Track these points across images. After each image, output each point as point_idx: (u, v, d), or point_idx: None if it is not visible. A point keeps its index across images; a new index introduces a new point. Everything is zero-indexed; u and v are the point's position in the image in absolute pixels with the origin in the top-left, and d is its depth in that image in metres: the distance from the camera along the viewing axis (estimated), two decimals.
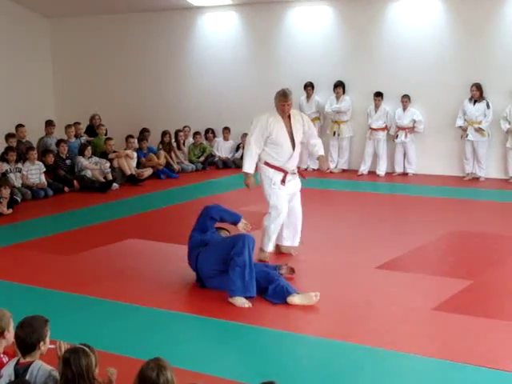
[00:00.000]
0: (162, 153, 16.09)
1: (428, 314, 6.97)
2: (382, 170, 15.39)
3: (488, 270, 8.29)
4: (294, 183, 8.92)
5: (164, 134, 16.53)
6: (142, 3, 17.40)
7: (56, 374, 4.47)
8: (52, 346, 4.75)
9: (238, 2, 16.78)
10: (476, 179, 14.37)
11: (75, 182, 14.28)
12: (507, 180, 14.13)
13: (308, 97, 16.04)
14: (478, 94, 14.16)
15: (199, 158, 16.87)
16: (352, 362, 5.88)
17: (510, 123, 13.85)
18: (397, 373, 5.71)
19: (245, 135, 16.80)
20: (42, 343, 4.63)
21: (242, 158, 16.57)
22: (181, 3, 17.10)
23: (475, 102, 14.23)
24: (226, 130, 17.16)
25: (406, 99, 15.02)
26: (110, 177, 14.56)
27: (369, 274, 8.22)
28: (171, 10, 17.53)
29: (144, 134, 16.80)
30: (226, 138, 17.20)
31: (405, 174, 15.22)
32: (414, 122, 14.99)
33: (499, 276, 8.07)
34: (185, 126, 17.10)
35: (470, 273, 8.02)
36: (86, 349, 4.40)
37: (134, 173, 15.05)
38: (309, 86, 15.98)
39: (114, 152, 15.23)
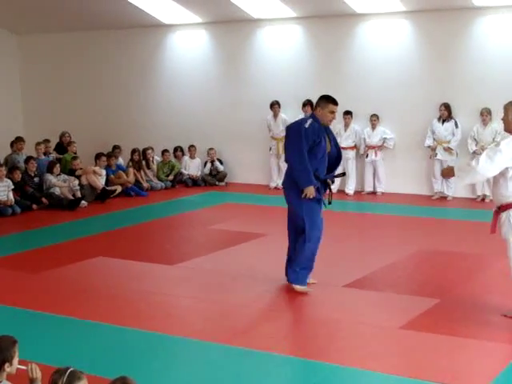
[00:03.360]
0: (131, 170, 16.05)
1: (396, 332, 6.99)
2: (350, 188, 15.44)
3: (455, 288, 8.33)
4: None
5: (133, 151, 16.49)
6: (111, 20, 17.37)
7: None
8: (23, 367, 4.66)
9: (208, 21, 16.81)
10: (444, 198, 14.47)
11: (43, 199, 14.19)
12: (475, 199, 14.25)
13: (275, 115, 16.07)
14: (446, 113, 14.29)
15: (168, 175, 16.84)
16: (320, 380, 5.88)
17: (477, 143, 13.98)
18: None
19: (211, 149, 16.82)
20: (7, 364, 4.56)
21: (210, 173, 16.72)
22: (151, 21, 17.11)
23: (444, 121, 14.35)
24: (192, 147, 17.14)
25: (374, 118, 15.11)
26: (78, 194, 14.48)
27: (337, 293, 8.24)
28: (141, 27, 17.53)
29: (114, 151, 16.77)
30: (192, 156, 17.18)
31: (374, 193, 15.29)
32: (384, 139, 15.08)
33: (466, 294, 8.12)
34: (147, 148, 16.91)
35: (438, 291, 8.06)
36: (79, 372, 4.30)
37: (104, 187, 15.01)
38: (275, 105, 16.01)
39: (81, 169, 15.18)
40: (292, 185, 8.18)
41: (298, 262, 8.18)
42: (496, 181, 6.92)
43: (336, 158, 8.39)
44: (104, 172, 15.39)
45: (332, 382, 5.86)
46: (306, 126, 7.99)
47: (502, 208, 6.85)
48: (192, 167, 17.11)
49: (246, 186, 16.53)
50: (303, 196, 7.98)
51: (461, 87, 14.40)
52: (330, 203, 8.33)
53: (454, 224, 12.31)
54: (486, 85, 14.19)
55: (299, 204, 8.13)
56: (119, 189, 15.47)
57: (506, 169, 6.72)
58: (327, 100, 8.22)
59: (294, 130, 8.13)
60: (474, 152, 13.99)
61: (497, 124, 13.81)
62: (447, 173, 7.36)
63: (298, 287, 8.15)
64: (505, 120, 6.95)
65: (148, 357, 6.41)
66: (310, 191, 7.93)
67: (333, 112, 8.19)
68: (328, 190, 8.33)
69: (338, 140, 15.14)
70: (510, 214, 6.79)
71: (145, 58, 17.86)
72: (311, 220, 8.09)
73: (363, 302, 7.93)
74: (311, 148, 7.96)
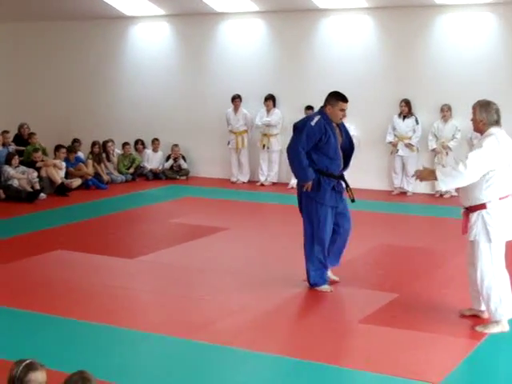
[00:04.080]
0: (90, 162, 15.92)
1: (355, 326, 7.04)
2: None
3: (414, 283, 8.40)
4: None
5: (93, 144, 16.37)
6: (73, 11, 17.21)
7: None
8: None
9: (170, 13, 16.74)
10: (404, 193, 14.57)
11: (1, 191, 14.03)
12: (433, 195, 14.37)
13: (235, 109, 16.06)
14: (406, 109, 14.38)
15: (128, 168, 16.74)
16: (282, 374, 5.91)
17: (437, 139, 14.09)
18: None
19: (175, 146, 16.77)
20: None
21: (171, 168, 16.67)
22: (113, 13, 16.99)
23: (404, 117, 14.45)
24: (156, 140, 17.06)
25: (308, 111, 15.13)
26: (37, 186, 14.34)
27: (297, 287, 8.25)
28: (103, 19, 17.40)
29: (74, 144, 16.63)
30: (155, 149, 17.11)
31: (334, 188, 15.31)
32: None
33: (425, 289, 8.19)
34: (107, 141, 16.79)
35: (397, 286, 8.12)
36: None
37: (63, 182, 14.88)
38: (236, 99, 15.99)
39: (42, 161, 15.03)
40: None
41: (312, 264, 8.13)
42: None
43: (349, 149, 8.22)
44: (64, 165, 15.25)
45: (290, 376, 5.88)
46: (313, 123, 7.82)
47: (472, 209, 6.77)
48: (154, 161, 17.03)
49: (207, 180, 16.51)
50: (304, 189, 7.93)
51: (421, 84, 14.51)
52: (353, 201, 8.21)
53: (414, 219, 12.41)
54: (446, 82, 14.31)
55: (307, 207, 8.07)
56: (79, 181, 15.35)
57: (489, 174, 6.65)
58: (337, 97, 7.97)
59: (298, 127, 7.99)
60: (434, 150, 14.12)
61: (457, 120, 13.96)
62: (426, 175, 7.10)
63: (318, 288, 8.10)
64: (473, 120, 6.96)
65: (107, 351, 6.39)
66: (307, 185, 7.88)
67: (343, 110, 7.97)
68: (346, 187, 8.17)
69: None
70: (481, 215, 6.69)
71: (106, 50, 17.73)
72: (319, 222, 7.97)
73: (323, 296, 7.95)
74: (319, 146, 7.83)
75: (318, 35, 15.51)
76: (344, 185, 8.17)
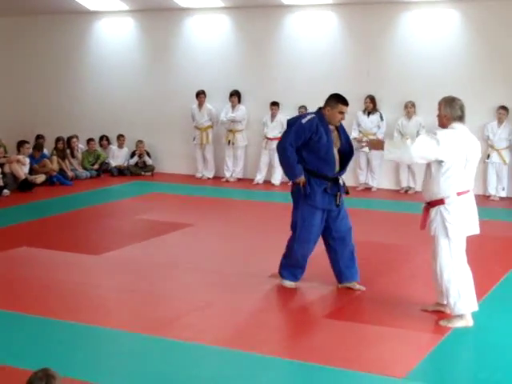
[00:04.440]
0: (55, 158, 15.81)
1: (320, 321, 7.07)
2: (277, 179, 15.52)
3: (379, 278, 8.46)
4: None
5: (57, 140, 16.25)
6: (37, 6, 17.07)
7: None
8: None
9: (134, 8, 16.68)
10: (368, 189, 14.66)
11: None
12: (398, 191, 14.47)
13: (200, 105, 16.04)
14: (371, 105, 14.47)
15: (93, 165, 16.66)
16: (247, 370, 5.92)
17: (402, 135, 14.19)
18: (288, 381, 5.79)
19: (140, 142, 16.72)
20: None
21: (136, 164, 16.62)
22: (77, 7, 16.89)
23: (369, 113, 14.53)
24: (121, 137, 17.00)
25: (302, 109, 15.19)
26: (0, 183, 14.21)
27: (262, 283, 8.28)
28: (66, 13, 17.29)
29: (39, 141, 16.48)
30: (120, 146, 17.04)
31: None
32: None
33: (390, 284, 8.25)
34: (72, 137, 16.68)
35: (362, 281, 8.15)
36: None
37: (27, 177, 14.75)
38: (201, 94, 15.97)
39: (5, 157, 14.90)
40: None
41: (288, 258, 8.04)
42: (427, 176, 6.94)
43: (348, 153, 7.96)
44: (28, 160, 15.13)
45: (255, 372, 5.90)
46: (303, 121, 7.69)
47: (432, 204, 6.88)
48: (119, 157, 16.96)
49: (173, 175, 16.49)
50: (301, 186, 7.75)
51: (386, 80, 14.61)
52: (337, 206, 7.86)
53: (379, 215, 12.47)
54: (411, 78, 14.42)
55: (296, 204, 7.94)
56: (43, 177, 15.23)
57: (440, 164, 6.75)
58: (337, 100, 7.80)
59: (290, 123, 7.89)
60: None
61: (421, 117, 14.07)
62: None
63: (282, 282, 8.06)
64: (439, 115, 7.05)
65: (74, 348, 6.36)
66: (300, 181, 7.72)
67: (342, 112, 7.76)
68: (338, 192, 7.84)
69: (265, 130, 15.43)
70: (440, 211, 6.79)
71: (70, 45, 17.61)
72: (303, 221, 7.82)
73: (288, 291, 7.98)
74: (309, 145, 7.66)
75: (283, 31, 15.55)
76: (342, 188, 7.93)
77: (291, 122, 7.89)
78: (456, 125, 6.88)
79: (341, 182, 7.90)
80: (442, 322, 6.90)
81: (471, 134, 7.01)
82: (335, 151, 7.81)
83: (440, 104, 7.02)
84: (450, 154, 6.71)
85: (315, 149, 7.66)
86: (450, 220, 6.74)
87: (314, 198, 7.72)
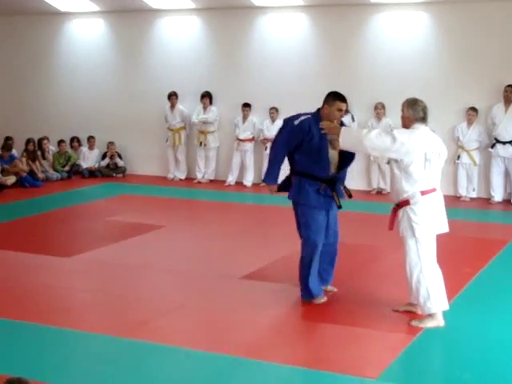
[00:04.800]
0: (24, 160, 15.70)
1: (293, 323, 7.08)
2: (249, 180, 15.53)
3: (351, 279, 8.48)
4: None
5: (28, 141, 16.15)
6: (6, 6, 16.95)
7: None
8: None
9: (105, 10, 16.61)
10: None
11: None
12: (370, 191, 14.53)
13: (172, 106, 16.01)
14: None
15: (64, 166, 16.57)
16: (219, 372, 5.91)
17: None
18: (261, 382, 5.79)
19: (111, 143, 16.65)
20: None
21: (107, 166, 16.55)
22: (47, 8, 16.78)
23: None
24: (92, 138, 16.93)
25: (273, 111, 15.23)
26: None
27: (234, 284, 8.28)
28: (37, 14, 17.18)
29: (7, 142, 16.33)
30: (91, 147, 16.96)
31: None
32: None
33: (363, 285, 8.28)
34: (42, 138, 16.57)
35: (334, 282, 8.16)
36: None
37: None
38: (173, 96, 15.95)
39: None
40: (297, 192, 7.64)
41: (304, 270, 7.62)
42: (393, 176, 6.98)
43: (350, 154, 7.63)
44: None
45: (228, 373, 5.90)
46: (296, 123, 7.47)
47: (400, 205, 6.93)
48: (90, 159, 16.88)
49: (144, 177, 16.44)
50: (269, 192, 7.75)
51: (356, 81, 14.65)
52: (339, 207, 7.66)
53: (350, 216, 12.46)
54: (381, 80, 14.49)
55: (296, 211, 7.71)
56: (13, 179, 15.11)
57: (398, 162, 6.84)
58: (335, 97, 7.54)
59: (285, 123, 7.68)
60: None
61: (390, 118, 14.14)
62: (331, 129, 7.16)
63: (316, 301, 7.62)
64: (402, 117, 7.10)
65: (45, 351, 6.31)
66: (271, 188, 7.65)
67: (341, 110, 7.49)
68: (334, 192, 7.58)
69: (236, 132, 15.43)
70: (406, 211, 6.85)
71: (41, 46, 17.50)
72: (306, 223, 7.56)
73: (260, 293, 7.98)
74: (302, 146, 7.42)
75: (254, 33, 15.55)
76: (341, 190, 7.70)
77: (286, 121, 7.68)
78: (417, 125, 6.93)
79: (340, 184, 7.68)
80: (413, 323, 6.93)
81: (434, 135, 7.07)
82: (332, 152, 7.51)
83: (403, 106, 7.07)
84: (406, 153, 6.77)
85: (307, 150, 7.42)
86: (416, 220, 6.80)
87: (307, 197, 7.49)
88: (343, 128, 7.18)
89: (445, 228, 7.04)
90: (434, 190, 6.94)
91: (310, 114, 7.65)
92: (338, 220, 7.86)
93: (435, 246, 7.00)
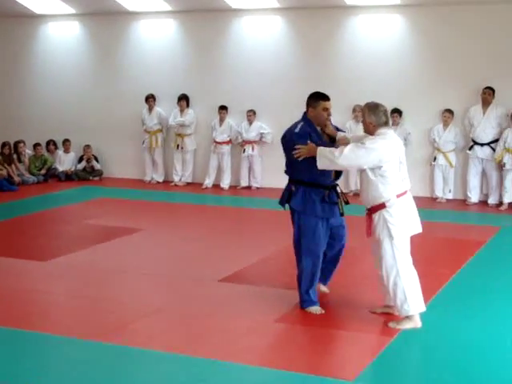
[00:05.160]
0: None
1: (271, 325, 7.08)
2: (226, 183, 15.52)
3: (330, 281, 8.47)
4: None
5: (3, 145, 16.05)
6: None
7: None
8: None
9: (82, 12, 16.54)
10: None
11: None
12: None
13: (150, 109, 15.99)
14: None
15: (40, 170, 16.48)
16: (197, 375, 5.90)
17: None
18: None
19: (87, 146, 16.59)
20: None
21: (84, 169, 16.48)
22: (22, 11, 16.69)
23: None
24: (67, 141, 16.85)
25: (251, 113, 15.22)
26: None
27: (212, 287, 8.27)
28: (11, 17, 17.08)
29: None
30: (66, 150, 16.88)
31: (249, 188, 15.40)
32: (262, 134, 15.24)
33: (339, 287, 8.23)
34: (18, 142, 16.48)
35: None
36: None
37: None
38: (150, 98, 15.93)
39: None
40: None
41: (303, 282, 7.45)
42: (368, 182, 6.94)
43: None
44: None
45: (207, 377, 5.88)
46: (297, 130, 7.35)
47: (373, 209, 6.93)
48: (66, 162, 16.81)
49: (121, 180, 16.39)
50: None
51: (333, 84, 14.63)
52: (342, 214, 7.47)
53: None
54: (358, 82, 14.52)
55: (298, 220, 7.46)
56: None
57: (375, 169, 6.84)
58: (317, 97, 7.46)
59: (286, 140, 7.52)
60: None
61: None
62: (306, 152, 7.08)
63: (309, 309, 7.46)
64: (363, 122, 7.13)
65: (21, 356, 6.26)
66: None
67: (327, 109, 7.38)
68: (338, 198, 7.45)
69: (213, 134, 15.41)
70: (382, 214, 6.86)
71: (16, 49, 17.41)
72: (308, 233, 7.35)
73: (238, 296, 7.97)
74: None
75: (230, 35, 15.55)
76: (338, 196, 7.51)
77: (287, 138, 7.50)
78: (383, 130, 6.96)
79: (338, 189, 7.58)
80: (390, 324, 6.95)
81: (397, 137, 7.11)
82: None
83: (363, 111, 7.12)
84: (382, 160, 6.79)
85: (309, 157, 7.12)
86: (393, 221, 6.83)
87: (313, 207, 7.31)
88: (318, 150, 6.98)
89: (418, 228, 7.09)
90: (406, 191, 6.98)
91: (301, 121, 7.50)
92: (344, 222, 7.68)
93: (409, 248, 7.02)
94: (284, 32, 15.16)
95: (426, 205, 13.58)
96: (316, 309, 7.40)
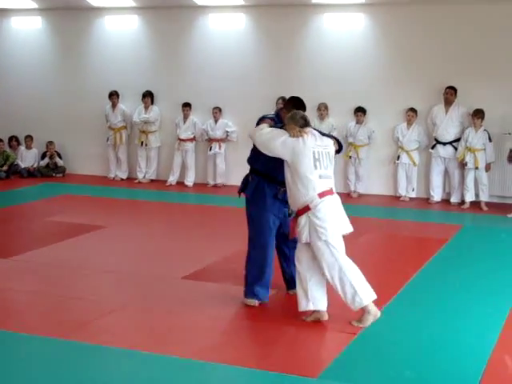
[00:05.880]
0: None
1: (233, 323, 7.09)
2: (190, 180, 15.49)
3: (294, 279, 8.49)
4: None
5: None
6: None
7: None
8: None
9: (44, 7, 16.41)
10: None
11: None
12: (349, 194, 14.49)
13: (113, 106, 15.91)
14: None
15: (2, 166, 16.32)
16: (159, 373, 5.89)
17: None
18: (199, 382, 5.78)
19: (50, 143, 16.46)
20: None
21: (47, 166, 16.35)
22: None
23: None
24: (29, 138, 16.71)
25: (216, 111, 15.21)
26: None
27: (175, 285, 8.26)
28: None
29: None
30: (28, 147, 16.74)
31: (215, 186, 15.37)
32: (227, 132, 15.23)
33: None
34: None
35: (274, 283, 8.17)
36: None
37: None
38: (114, 95, 15.85)
39: None
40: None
41: (249, 274, 7.57)
42: (289, 183, 7.01)
43: None
44: None
45: (169, 374, 5.88)
46: (266, 116, 7.64)
47: (300, 212, 6.92)
48: (28, 158, 16.67)
49: (85, 177, 16.30)
50: None
51: (298, 82, 14.68)
52: (290, 215, 7.31)
53: None
54: (323, 80, 14.55)
55: (247, 210, 7.62)
56: None
57: (290, 168, 6.95)
58: (293, 106, 7.46)
59: (258, 122, 7.56)
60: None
61: (333, 118, 14.25)
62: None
63: (245, 301, 7.54)
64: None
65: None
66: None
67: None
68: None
69: (177, 132, 15.38)
70: (308, 217, 6.84)
71: None
72: (254, 225, 7.51)
73: (201, 293, 7.97)
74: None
75: (195, 32, 15.52)
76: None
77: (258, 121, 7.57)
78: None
79: None
80: (353, 323, 6.97)
81: (320, 135, 7.18)
82: None
83: (286, 122, 7.20)
84: (291, 153, 6.91)
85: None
86: (321, 224, 6.82)
87: (262, 198, 7.42)
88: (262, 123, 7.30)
89: (349, 228, 7.05)
90: (330, 191, 6.99)
91: (273, 114, 7.73)
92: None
93: (343, 244, 7.00)
94: (249, 29, 15.16)
95: (390, 203, 13.69)
96: (252, 301, 7.47)
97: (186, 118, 15.44)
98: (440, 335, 6.80)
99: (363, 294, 6.89)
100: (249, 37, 15.20)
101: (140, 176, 15.86)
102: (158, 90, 15.76)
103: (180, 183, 15.54)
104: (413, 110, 13.94)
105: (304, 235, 6.90)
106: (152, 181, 15.88)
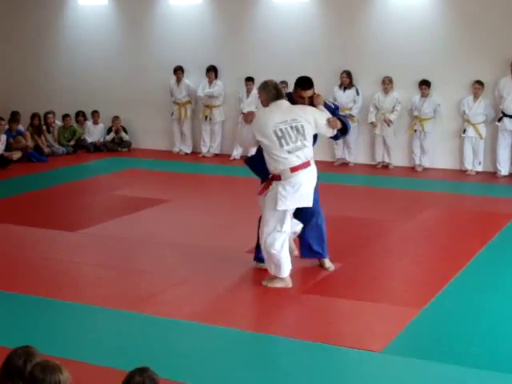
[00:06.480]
0: (28, 134, 15.66)
1: (299, 296, 7.10)
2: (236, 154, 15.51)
3: (356, 253, 8.48)
4: None
5: (33, 116, 16.13)
6: None
7: None
8: None
9: None
10: (345, 164, 14.66)
11: None
12: (375, 166, 14.47)
13: (178, 80, 15.96)
14: (347, 80, 14.43)
15: (69, 141, 16.55)
16: (221, 345, 5.94)
17: (378, 110, 14.20)
18: (269, 356, 5.81)
19: (116, 118, 16.63)
20: None
21: (113, 140, 16.53)
22: None
23: (345, 88, 14.51)
24: (96, 113, 16.88)
25: (284, 85, 15.15)
26: None
27: (239, 259, 8.29)
28: None
29: (15, 116, 16.26)
30: (95, 122, 16.93)
31: None
32: None
33: (366, 259, 8.29)
34: (48, 113, 16.58)
35: (339, 256, 8.17)
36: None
37: (3, 154, 14.61)
38: (178, 70, 15.89)
39: None
40: None
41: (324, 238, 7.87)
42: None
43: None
44: (4, 137, 14.98)
45: (235, 347, 5.92)
46: None
47: (274, 177, 7.10)
48: (95, 133, 16.86)
49: (150, 151, 16.42)
50: None
51: (363, 55, 14.55)
52: None
53: (354, 190, 12.50)
54: (388, 54, 14.37)
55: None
56: (19, 154, 15.11)
57: (262, 145, 7.14)
58: (297, 85, 7.58)
59: None
60: (372, 123, 14.25)
61: (398, 92, 14.09)
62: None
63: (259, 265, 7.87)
64: (260, 101, 7.44)
65: (52, 324, 6.36)
66: None
67: (302, 97, 7.47)
68: None
69: (241, 106, 15.37)
70: (277, 185, 7.02)
71: (46, 21, 17.40)
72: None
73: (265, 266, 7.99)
74: None
75: (259, 6, 15.46)
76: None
77: None
78: (272, 103, 7.26)
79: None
80: (263, 283, 7.25)
81: (293, 107, 7.29)
82: None
83: (258, 91, 7.46)
84: (258, 134, 7.09)
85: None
86: (284, 194, 6.99)
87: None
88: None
89: (308, 203, 7.19)
90: (306, 164, 7.09)
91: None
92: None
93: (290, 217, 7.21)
94: (313, 3, 15.03)
95: (456, 177, 13.50)
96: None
97: (249, 92, 15.42)
98: (507, 312, 6.71)
99: (284, 268, 7.20)
100: (313, 11, 15.08)
101: (204, 150, 15.92)
102: (221, 64, 15.76)
103: (244, 157, 15.54)
104: (479, 82, 13.68)
105: (267, 196, 7.14)
106: (216, 155, 15.92)
